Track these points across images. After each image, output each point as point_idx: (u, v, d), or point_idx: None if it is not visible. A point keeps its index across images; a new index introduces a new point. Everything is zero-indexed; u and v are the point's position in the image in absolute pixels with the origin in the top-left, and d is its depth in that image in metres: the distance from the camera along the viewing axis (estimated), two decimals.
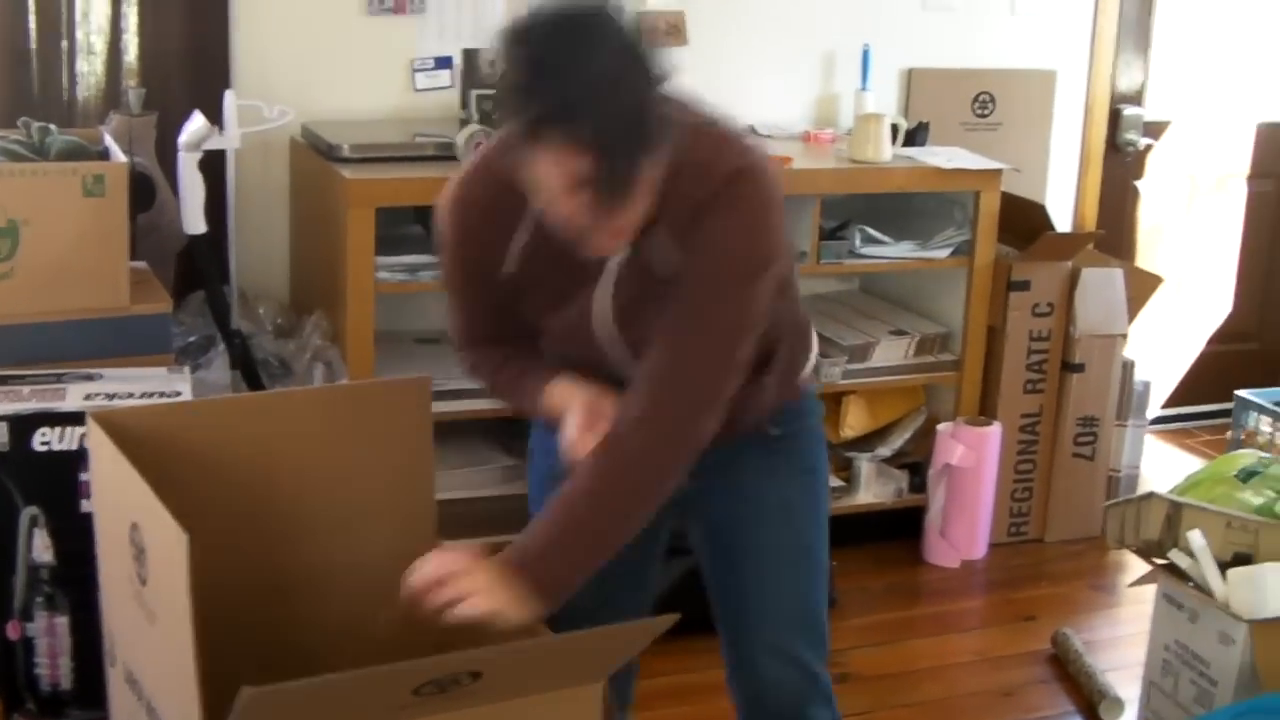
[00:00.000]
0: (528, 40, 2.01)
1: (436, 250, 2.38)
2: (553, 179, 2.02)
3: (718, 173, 2.13)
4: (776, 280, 2.24)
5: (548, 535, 2.16)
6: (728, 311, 2.17)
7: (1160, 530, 3.33)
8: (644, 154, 2.03)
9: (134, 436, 2.27)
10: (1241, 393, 4.93)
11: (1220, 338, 5.76)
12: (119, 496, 2.20)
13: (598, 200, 2.02)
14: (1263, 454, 3.68)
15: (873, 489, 4.54)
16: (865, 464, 4.52)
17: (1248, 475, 3.50)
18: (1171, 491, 3.50)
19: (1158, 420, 5.56)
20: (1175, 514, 3.32)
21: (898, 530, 4.57)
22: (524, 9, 2.04)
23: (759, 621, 2.51)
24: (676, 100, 2.12)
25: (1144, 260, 5.42)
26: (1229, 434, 5.00)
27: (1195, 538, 3.25)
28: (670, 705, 3.53)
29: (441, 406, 3.75)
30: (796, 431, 2.55)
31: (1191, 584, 3.29)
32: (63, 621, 3.02)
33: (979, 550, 4.56)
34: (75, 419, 2.90)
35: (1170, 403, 5.69)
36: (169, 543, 1.89)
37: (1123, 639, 4.05)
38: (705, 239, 2.14)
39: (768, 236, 2.20)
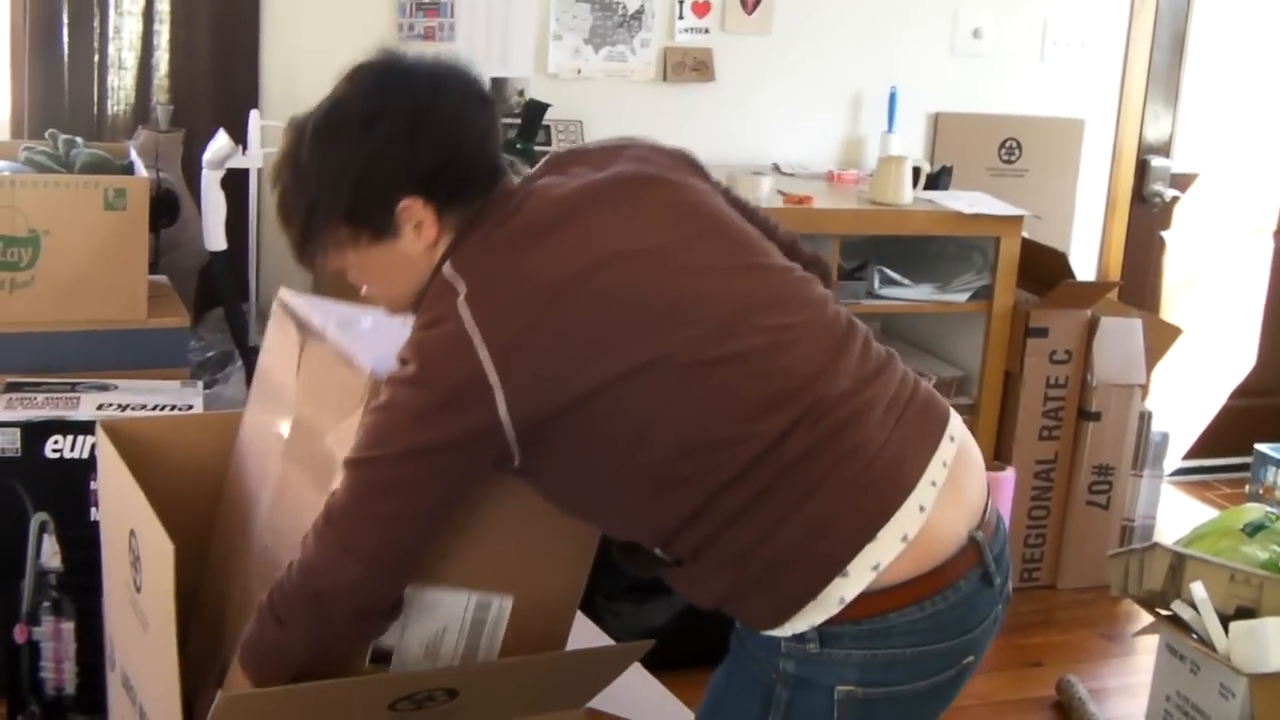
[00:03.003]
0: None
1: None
2: None
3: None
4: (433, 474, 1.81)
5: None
6: (344, 491, 1.83)
7: (1164, 581, 3.33)
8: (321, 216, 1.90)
9: (141, 446, 2.31)
10: (1261, 447, 4.93)
11: (1243, 392, 5.74)
12: (120, 504, 2.23)
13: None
14: (1270, 509, 3.68)
15: None
16: None
17: (1254, 529, 3.50)
18: (1177, 543, 3.50)
19: (1178, 472, 5.55)
20: (1179, 565, 3.32)
21: None
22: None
23: None
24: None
25: (1169, 312, 5.41)
26: (1248, 488, 5.00)
27: (1198, 590, 3.25)
28: None
29: None
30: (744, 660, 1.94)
31: (1194, 636, 3.29)
32: (68, 627, 3.04)
33: None
34: (87, 428, 2.92)
35: (1191, 454, 5.67)
36: (157, 551, 1.92)
37: (1129, 688, 4.02)
38: None
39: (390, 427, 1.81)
